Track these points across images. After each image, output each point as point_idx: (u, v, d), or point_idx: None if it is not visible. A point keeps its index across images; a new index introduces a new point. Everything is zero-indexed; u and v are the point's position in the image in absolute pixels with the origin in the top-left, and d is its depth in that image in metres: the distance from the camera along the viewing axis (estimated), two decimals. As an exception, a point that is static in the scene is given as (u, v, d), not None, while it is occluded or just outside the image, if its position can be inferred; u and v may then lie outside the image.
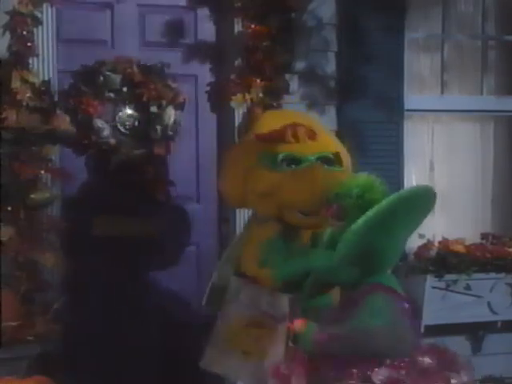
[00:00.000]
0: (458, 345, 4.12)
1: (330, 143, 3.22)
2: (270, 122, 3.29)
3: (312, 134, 3.14)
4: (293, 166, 3.07)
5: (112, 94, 3.65)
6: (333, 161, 3.12)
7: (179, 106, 3.79)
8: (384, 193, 2.60)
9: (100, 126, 3.62)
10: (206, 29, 3.99)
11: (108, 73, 3.64)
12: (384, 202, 2.51)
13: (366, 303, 2.48)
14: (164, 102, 3.73)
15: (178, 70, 3.86)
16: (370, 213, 2.50)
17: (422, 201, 2.57)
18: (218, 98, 3.91)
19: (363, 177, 2.65)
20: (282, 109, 3.76)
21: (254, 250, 3.01)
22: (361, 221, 2.51)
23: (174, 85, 3.77)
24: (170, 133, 3.76)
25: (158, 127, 3.73)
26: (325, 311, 2.63)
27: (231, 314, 2.87)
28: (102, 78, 3.63)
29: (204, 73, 3.97)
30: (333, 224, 2.63)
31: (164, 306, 3.84)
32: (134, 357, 3.75)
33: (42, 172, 3.53)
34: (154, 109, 3.72)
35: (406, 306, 2.53)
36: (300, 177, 3.02)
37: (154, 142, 3.75)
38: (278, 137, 3.13)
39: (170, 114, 3.76)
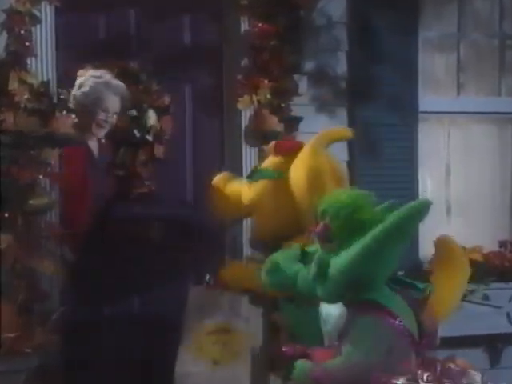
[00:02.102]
0: (476, 358, 4.09)
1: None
2: None
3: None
4: None
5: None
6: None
7: (162, 110, 3.81)
8: (373, 212, 2.50)
9: None
10: (211, 28, 4.01)
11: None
12: (372, 235, 2.41)
13: (355, 331, 2.45)
14: (144, 106, 3.76)
15: (177, 71, 3.90)
16: (356, 248, 2.42)
17: (417, 219, 2.47)
18: (222, 100, 3.92)
19: (352, 195, 2.56)
20: None
21: None
22: (347, 258, 2.43)
23: (155, 88, 3.80)
24: (149, 137, 3.79)
25: (136, 131, 3.76)
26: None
27: (195, 322, 2.91)
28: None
29: (205, 74, 4.00)
30: (321, 245, 2.55)
31: (166, 316, 3.75)
32: (135, 369, 3.75)
33: (41, 176, 3.53)
34: (132, 112, 3.75)
35: (397, 323, 2.49)
36: None
37: (134, 146, 3.77)
38: None
39: (148, 118, 3.78)
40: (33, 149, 3.51)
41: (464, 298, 4.15)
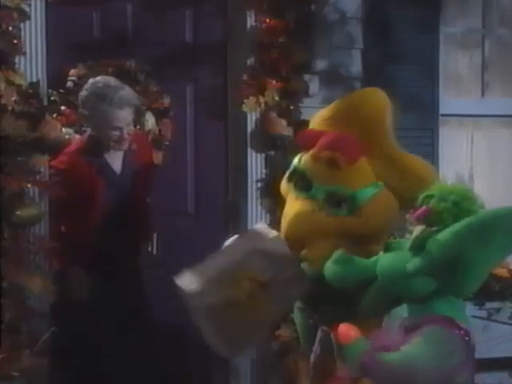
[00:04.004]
0: (501, 382, 4.16)
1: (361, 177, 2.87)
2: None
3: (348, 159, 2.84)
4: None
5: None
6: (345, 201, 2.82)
7: (161, 112, 3.79)
8: (479, 207, 2.61)
9: (67, 135, 3.58)
10: (214, 24, 4.01)
11: (73, 78, 3.67)
12: (479, 215, 2.53)
13: (421, 336, 2.47)
14: (142, 108, 3.73)
15: (177, 71, 3.90)
16: (462, 223, 2.51)
17: None
18: (226, 102, 3.92)
19: (459, 185, 2.70)
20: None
21: None
22: (451, 231, 2.52)
23: (154, 88, 3.79)
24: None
25: None
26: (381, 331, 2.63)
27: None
28: (71, 85, 3.66)
29: (208, 74, 4.00)
30: (420, 228, 2.61)
31: (166, 334, 3.80)
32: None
33: (29, 185, 3.51)
34: None
35: (466, 343, 2.53)
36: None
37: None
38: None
39: (146, 121, 3.76)
40: (21, 155, 3.48)
41: (490, 317, 4.13)
